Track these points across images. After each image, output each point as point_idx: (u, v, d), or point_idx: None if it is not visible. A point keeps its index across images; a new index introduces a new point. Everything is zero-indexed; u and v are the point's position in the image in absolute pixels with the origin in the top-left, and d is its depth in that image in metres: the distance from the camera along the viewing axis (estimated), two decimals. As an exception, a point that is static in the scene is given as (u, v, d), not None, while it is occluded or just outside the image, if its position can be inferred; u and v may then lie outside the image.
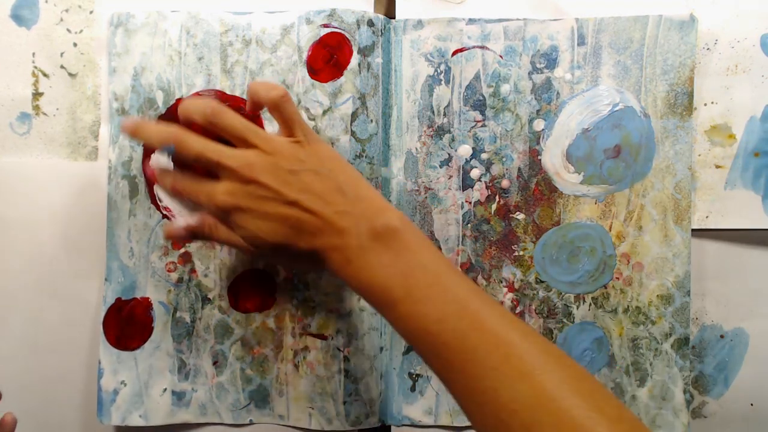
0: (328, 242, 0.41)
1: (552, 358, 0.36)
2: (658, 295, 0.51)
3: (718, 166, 0.51)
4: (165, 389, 0.52)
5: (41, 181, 0.52)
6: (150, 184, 0.52)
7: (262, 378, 0.52)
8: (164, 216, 0.52)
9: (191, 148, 0.43)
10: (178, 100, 0.51)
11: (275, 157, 0.42)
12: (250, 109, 0.45)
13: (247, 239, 0.43)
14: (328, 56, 0.50)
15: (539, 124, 0.51)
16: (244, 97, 0.51)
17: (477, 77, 0.52)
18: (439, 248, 0.52)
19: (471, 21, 0.51)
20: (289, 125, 0.43)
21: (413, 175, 0.52)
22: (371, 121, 0.51)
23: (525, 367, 0.36)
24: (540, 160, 0.51)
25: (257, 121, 0.51)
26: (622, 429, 0.34)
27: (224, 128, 0.43)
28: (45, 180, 0.52)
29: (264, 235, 0.42)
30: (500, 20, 0.51)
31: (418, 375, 0.52)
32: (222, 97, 0.51)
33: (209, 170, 0.43)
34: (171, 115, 0.51)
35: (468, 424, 0.52)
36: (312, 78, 0.51)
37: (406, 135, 0.52)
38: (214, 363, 0.52)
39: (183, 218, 0.46)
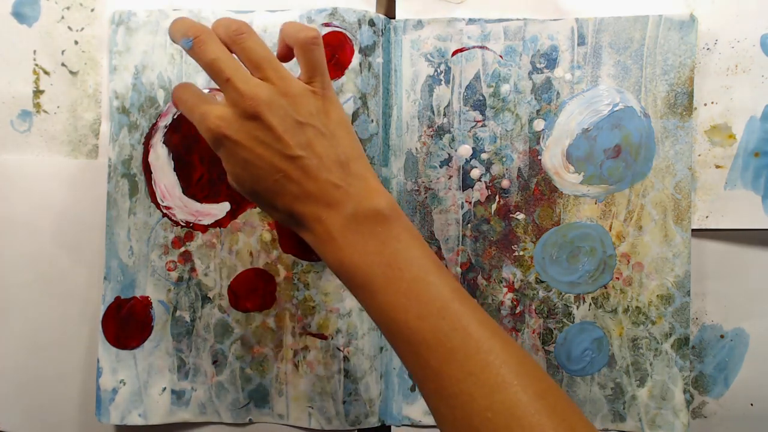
0: (312, 211, 0.39)
1: (530, 372, 0.36)
2: (658, 295, 0.51)
3: (718, 166, 0.51)
4: (164, 388, 0.52)
5: (41, 178, 0.52)
6: (149, 180, 0.52)
7: (262, 377, 0.52)
8: (164, 215, 0.52)
9: (208, 51, 0.39)
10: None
11: (287, 99, 0.39)
12: (280, 52, 0.43)
13: (229, 174, 0.41)
14: (330, 55, 0.51)
15: (539, 124, 0.51)
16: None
17: (477, 77, 0.52)
18: (439, 248, 0.52)
19: (471, 21, 0.51)
20: (310, 72, 0.41)
21: (413, 175, 0.52)
22: (372, 121, 0.51)
23: (503, 377, 0.35)
24: (540, 160, 0.51)
25: None
26: None
27: (244, 50, 0.40)
28: (45, 178, 0.52)
29: (245, 178, 0.40)
30: (500, 20, 0.51)
31: (417, 375, 0.52)
32: None
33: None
34: (173, 116, 0.51)
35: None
36: (313, 77, 0.51)
37: (406, 135, 0.52)
38: (214, 362, 0.52)
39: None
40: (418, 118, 0.52)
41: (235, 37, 0.40)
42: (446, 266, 0.52)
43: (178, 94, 0.42)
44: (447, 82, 0.52)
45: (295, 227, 0.41)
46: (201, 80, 0.51)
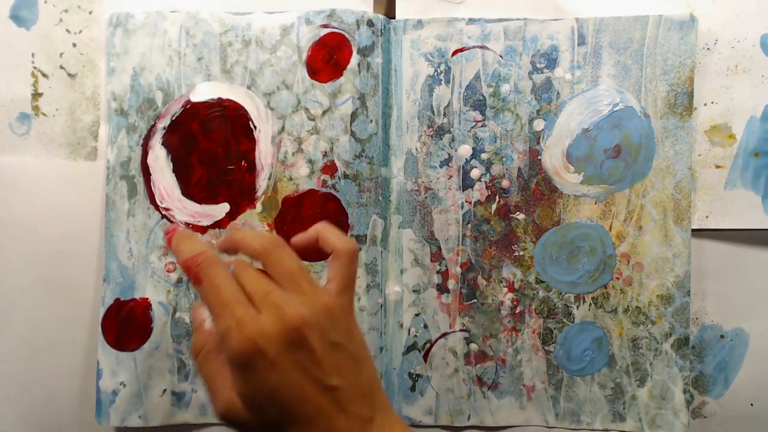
0: None
1: None
2: (658, 295, 0.51)
3: (718, 166, 0.51)
4: (164, 390, 0.52)
5: (40, 181, 0.52)
6: (148, 182, 0.51)
7: (262, 378, 0.52)
8: (163, 216, 0.52)
9: (250, 248, 0.36)
10: (179, 99, 0.51)
11: (323, 317, 0.34)
12: (298, 242, 0.39)
13: (245, 397, 0.34)
14: (328, 56, 0.50)
15: (539, 124, 0.51)
16: (240, 101, 0.51)
17: (477, 77, 0.51)
18: (439, 248, 0.52)
19: (471, 21, 0.51)
20: (345, 284, 0.37)
21: (413, 175, 0.52)
22: (371, 121, 0.51)
23: None
24: (540, 160, 0.51)
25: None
26: None
27: (275, 264, 0.36)
28: (44, 180, 0.52)
29: (268, 405, 0.33)
30: (500, 20, 0.51)
31: (418, 375, 0.52)
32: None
33: None
34: (172, 117, 0.51)
35: (468, 424, 0.52)
36: (312, 78, 0.51)
37: (406, 135, 0.52)
38: (214, 363, 0.52)
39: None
40: (418, 118, 0.52)
41: (270, 249, 0.36)
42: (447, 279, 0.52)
43: (205, 269, 0.35)
44: (447, 82, 0.52)
45: None
46: (199, 81, 0.51)
